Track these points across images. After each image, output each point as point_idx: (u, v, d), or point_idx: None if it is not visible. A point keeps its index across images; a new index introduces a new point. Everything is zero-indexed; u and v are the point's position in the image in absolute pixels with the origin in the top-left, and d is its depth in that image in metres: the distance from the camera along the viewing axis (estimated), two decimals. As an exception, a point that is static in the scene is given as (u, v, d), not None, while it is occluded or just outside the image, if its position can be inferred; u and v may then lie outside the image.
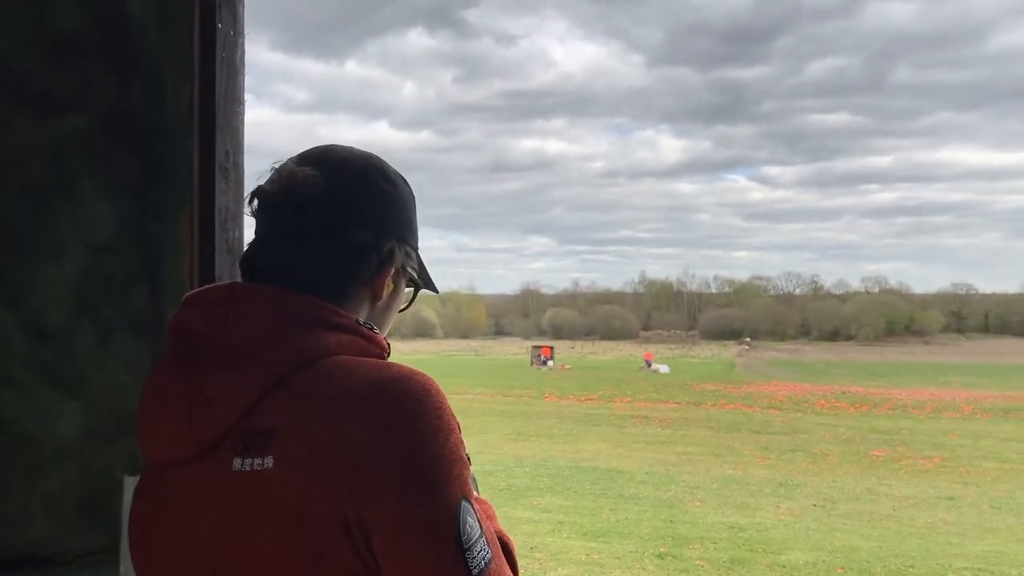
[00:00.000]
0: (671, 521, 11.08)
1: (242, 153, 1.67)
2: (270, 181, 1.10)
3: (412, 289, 1.22)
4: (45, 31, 1.59)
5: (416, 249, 1.19)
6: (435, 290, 1.25)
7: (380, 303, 1.13)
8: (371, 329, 1.07)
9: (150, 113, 1.57)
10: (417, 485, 0.92)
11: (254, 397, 0.96)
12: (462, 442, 0.98)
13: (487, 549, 0.95)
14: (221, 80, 1.59)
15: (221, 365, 0.99)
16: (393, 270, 1.13)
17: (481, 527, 0.96)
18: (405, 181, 1.19)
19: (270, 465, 0.93)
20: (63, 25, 1.59)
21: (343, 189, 1.09)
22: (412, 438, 0.93)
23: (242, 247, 1.64)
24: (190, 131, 1.57)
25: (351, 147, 1.17)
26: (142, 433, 1.06)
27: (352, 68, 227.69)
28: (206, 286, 1.11)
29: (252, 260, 1.10)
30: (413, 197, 1.20)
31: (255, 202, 1.10)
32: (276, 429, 0.94)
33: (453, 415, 0.99)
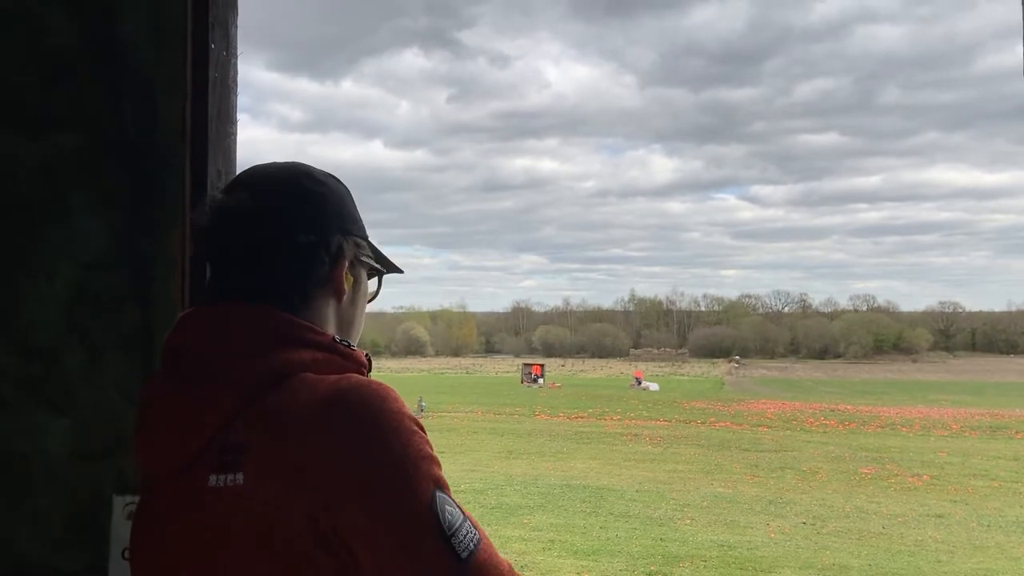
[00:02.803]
0: (661, 539, 11.06)
1: (234, 172, 1.68)
2: (204, 216, 1.13)
3: (376, 278, 1.25)
4: (37, 49, 1.60)
5: (366, 238, 1.21)
6: (399, 270, 1.28)
7: (345, 298, 1.16)
8: (348, 346, 1.10)
9: (142, 132, 1.58)
10: (386, 487, 0.94)
11: (229, 413, 0.99)
12: (427, 441, 1.01)
13: (474, 532, 0.97)
14: (214, 100, 1.60)
15: (200, 381, 1.02)
16: (347, 263, 1.15)
17: (463, 512, 0.98)
18: (335, 178, 1.21)
19: (241, 481, 0.96)
20: (55, 43, 1.59)
21: (275, 201, 1.11)
22: (374, 443, 0.95)
23: (233, 266, 1.65)
24: (182, 150, 1.57)
25: (273, 162, 1.20)
26: (136, 444, 1.09)
27: (348, 88, 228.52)
28: (196, 306, 1.14)
29: (214, 289, 1.12)
30: (347, 191, 1.22)
31: (200, 239, 1.15)
32: (247, 445, 0.97)
33: (413, 418, 1.01)
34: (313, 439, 0.95)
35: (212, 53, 1.60)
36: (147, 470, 1.08)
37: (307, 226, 1.11)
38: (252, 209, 1.10)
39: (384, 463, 0.95)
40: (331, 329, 1.13)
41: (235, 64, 1.69)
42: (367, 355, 1.16)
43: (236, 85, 1.69)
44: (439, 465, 1.00)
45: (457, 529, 0.95)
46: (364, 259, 1.20)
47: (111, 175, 1.58)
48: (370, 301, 1.24)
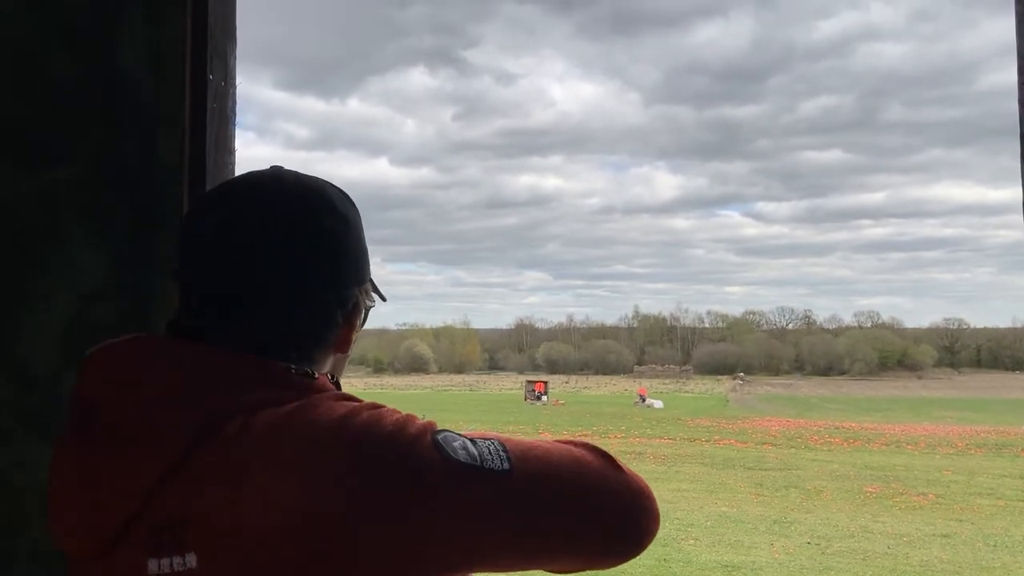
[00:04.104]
0: (665, 560, 10.98)
1: (232, 203, 1.68)
2: (203, 251, 0.92)
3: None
4: (36, 81, 1.60)
5: (370, 277, 1.03)
6: (383, 299, 1.07)
7: (344, 353, 1.00)
8: (307, 375, 0.91)
9: (140, 163, 1.58)
10: (391, 485, 0.79)
11: (157, 476, 0.81)
12: (390, 410, 0.86)
13: (490, 441, 0.86)
14: (212, 130, 1.60)
15: (117, 438, 0.83)
16: (357, 319, 1.00)
17: (463, 435, 0.86)
18: (352, 202, 1.02)
19: (194, 564, 0.78)
20: (54, 75, 1.60)
21: (289, 242, 0.91)
22: (342, 469, 0.79)
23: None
24: (180, 181, 1.57)
25: (289, 178, 0.97)
26: (49, 519, 0.90)
27: (354, 106, 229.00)
28: (106, 342, 0.92)
29: (195, 329, 0.91)
30: (360, 217, 1.02)
31: (185, 274, 0.94)
32: (190, 517, 0.79)
33: (370, 404, 0.86)
34: (269, 495, 0.77)
35: (211, 84, 1.60)
36: (64, 549, 0.89)
37: (326, 281, 0.93)
38: (256, 246, 0.90)
39: (371, 467, 0.79)
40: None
41: (234, 94, 1.70)
42: (331, 378, 0.97)
43: (234, 115, 1.70)
44: (414, 416, 0.87)
45: (481, 455, 0.83)
46: (368, 303, 1.02)
47: (110, 206, 1.59)
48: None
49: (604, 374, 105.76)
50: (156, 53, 1.59)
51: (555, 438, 0.95)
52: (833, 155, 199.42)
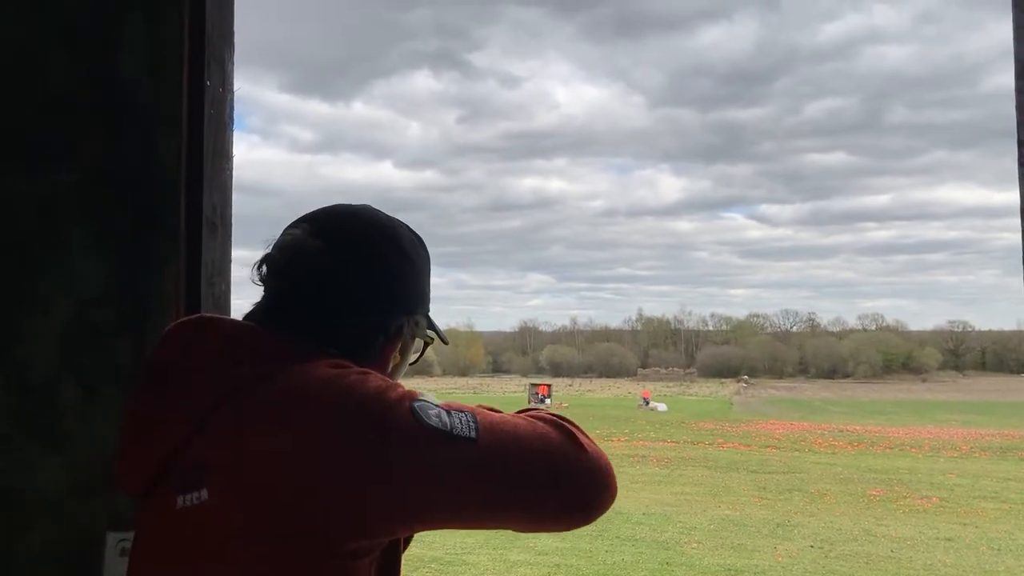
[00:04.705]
0: (668, 563, 10.97)
1: (230, 207, 1.69)
2: (279, 248, 1.08)
3: (422, 343, 1.21)
4: (36, 86, 1.61)
5: (427, 313, 1.18)
6: (445, 342, 1.26)
7: (383, 371, 1.11)
8: (331, 354, 1.03)
9: (138, 168, 1.59)
10: (371, 446, 0.91)
11: (189, 428, 0.97)
12: (375, 376, 0.98)
13: (463, 412, 0.96)
14: (209, 136, 1.61)
15: (166, 395, 1.01)
16: (400, 344, 1.13)
17: (441, 405, 0.97)
18: (422, 244, 1.17)
19: (205, 498, 0.92)
20: (54, 80, 1.61)
21: (353, 269, 1.06)
22: (331, 432, 0.91)
23: (228, 301, 1.65)
24: (178, 186, 1.58)
25: (369, 212, 1.14)
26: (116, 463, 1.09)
27: (358, 109, 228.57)
28: (179, 319, 1.12)
29: (260, 316, 1.08)
30: (428, 259, 1.18)
31: (263, 268, 1.09)
32: (209, 460, 0.94)
33: (359, 370, 0.98)
34: (271, 444, 0.92)
35: (208, 90, 1.61)
36: (123, 491, 1.07)
37: (374, 306, 1.08)
38: (327, 268, 1.05)
39: (351, 423, 0.92)
40: None
41: (231, 100, 1.70)
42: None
43: (232, 120, 1.71)
44: (399, 384, 0.99)
45: (452, 423, 0.94)
46: (418, 335, 1.17)
47: (108, 211, 1.59)
48: (412, 364, 1.21)
49: (608, 377, 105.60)
50: (156, 54, 1.59)
51: (524, 410, 1.05)
52: (837, 157, 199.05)
